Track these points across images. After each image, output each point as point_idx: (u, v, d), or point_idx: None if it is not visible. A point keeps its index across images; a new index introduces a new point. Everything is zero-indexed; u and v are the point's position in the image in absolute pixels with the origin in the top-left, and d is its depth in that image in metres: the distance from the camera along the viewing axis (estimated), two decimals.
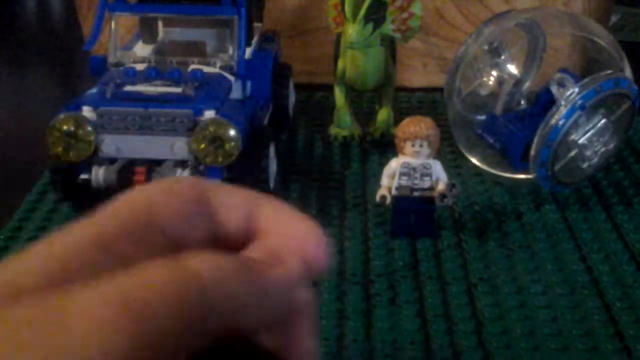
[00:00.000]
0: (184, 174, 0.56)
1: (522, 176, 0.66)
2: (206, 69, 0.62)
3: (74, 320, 0.15)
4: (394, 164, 0.58)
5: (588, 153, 0.62)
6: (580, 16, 0.75)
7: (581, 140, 0.61)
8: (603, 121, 0.62)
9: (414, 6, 0.71)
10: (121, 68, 0.62)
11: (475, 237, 0.60)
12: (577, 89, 0.60)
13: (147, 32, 0.68)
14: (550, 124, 0.60)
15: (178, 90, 0.58)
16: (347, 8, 0.67)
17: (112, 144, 0.57)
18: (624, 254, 0.57)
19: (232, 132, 0.56)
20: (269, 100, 0.72)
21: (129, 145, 0.57)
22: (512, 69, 0.69)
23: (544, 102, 0.66)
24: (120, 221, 0.19)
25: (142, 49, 0.67)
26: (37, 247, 0.17)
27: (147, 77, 0.60)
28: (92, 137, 0.56)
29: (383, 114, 0.74)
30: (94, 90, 0.59)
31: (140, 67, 0.62)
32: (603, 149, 0.63)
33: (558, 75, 0.65)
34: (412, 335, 0.49)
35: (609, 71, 0.62)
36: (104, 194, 0.57)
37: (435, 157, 0.58)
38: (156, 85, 0.59)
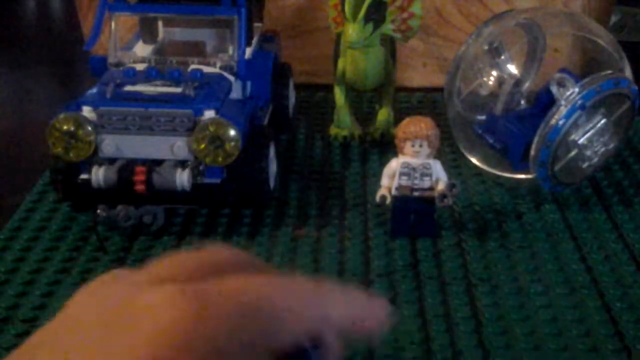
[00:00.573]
0: (184, 173, 0.56)
1: (522, 176, 0.66)
2: (206, 69, 0.62)
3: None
4: (394, 164, 0.58)
5: (588, 153, 0.62)
6: (580, 16, 0.75)
7: (581, 140, 0.61)
8: (603, 121, 0.62)
9: (414, 6, 0.71)
10: (121, 68, 0.62)
11: (475, 237, 0.60)
12: (577, 89, 0.60)
13: (147, 32, 0.68)
14: (550, 124, 0.60)
15: (178, 90, 0.58)
16: (347, 8, 0.67)
17: (112, 144, 0.57)
18: (624, 254, 0.57)
19: (232, 132, 0.56)
20: (269, 100, 0.72)
21: (129, 145, 0.57)
22: (512, 69, 0.69)
23: (544, 102, 0.65)
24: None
25: (142, 49, 0.67)
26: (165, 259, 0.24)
27: (147, 77, 0.60)
28: (92, 137, 0.56)
29: (383, 114, 0.74)
30: (94, 90, 0.59)
31: (140, 67, 0.62)
32: (603, 149, 0.63)
33: (558, 75, 0.65)
34: (412, 335, 0.49)
35: (609, 71, 0.62)
36: (104, 194, 0.57)
37: (435, 157, 0.58)
38: (156, 85, 0.59)
